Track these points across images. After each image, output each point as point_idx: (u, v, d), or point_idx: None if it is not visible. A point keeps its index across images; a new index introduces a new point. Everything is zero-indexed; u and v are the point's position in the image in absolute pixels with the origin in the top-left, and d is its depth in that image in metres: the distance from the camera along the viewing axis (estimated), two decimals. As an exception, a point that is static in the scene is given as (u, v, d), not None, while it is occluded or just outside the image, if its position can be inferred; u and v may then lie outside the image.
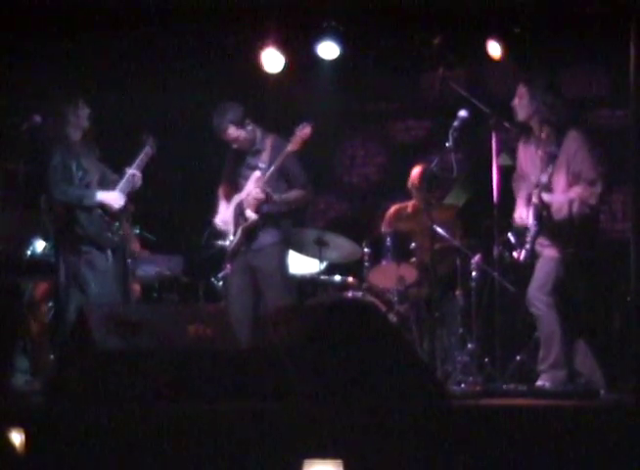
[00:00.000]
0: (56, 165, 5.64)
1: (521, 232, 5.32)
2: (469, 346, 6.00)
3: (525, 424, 3.77)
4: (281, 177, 6.01)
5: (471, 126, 5.50)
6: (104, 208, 5.66)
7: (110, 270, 5.64)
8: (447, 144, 5.41)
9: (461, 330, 6.11)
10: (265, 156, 6.01)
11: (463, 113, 5.42)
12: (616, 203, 7.41)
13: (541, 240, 5.25)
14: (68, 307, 5.51)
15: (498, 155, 5.51)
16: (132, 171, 5.77)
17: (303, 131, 5.86)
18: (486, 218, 5.63)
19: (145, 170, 5.85)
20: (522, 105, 5.34)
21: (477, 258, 6.18)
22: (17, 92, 6.70)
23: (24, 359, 5.97)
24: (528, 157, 5.40)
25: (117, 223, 5.68)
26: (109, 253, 5.65)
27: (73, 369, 4.43)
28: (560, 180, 5.21)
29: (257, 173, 5.95)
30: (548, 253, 5.23)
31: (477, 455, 3.64)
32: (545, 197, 5.15)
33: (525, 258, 5.23)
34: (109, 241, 5.66)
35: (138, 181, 5.78)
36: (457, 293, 6.21)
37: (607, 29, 6.26)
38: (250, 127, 6.04)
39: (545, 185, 5.15)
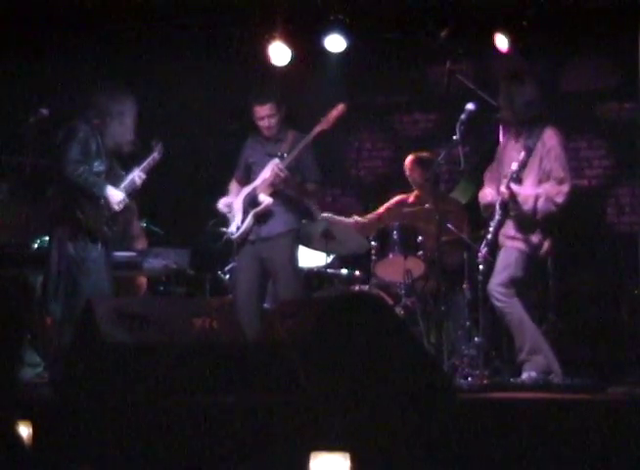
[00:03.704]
0: (79, 141, 5.54)
1: (486, 210, 5.41)
2: (476, 339, 5.97)
3: (532, 417, 3.77)
4: (296, 169, 6.01)
5: (478, 119, 5.48)
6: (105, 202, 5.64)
7: (99, 263, 5.56)
8: (454, 137, 5.40)
9: (468, 323, 6.09)
10: (286, 146, 6.01)
11: (470, 106, 5.41)
12: (623, 196, 7.39)
13: (505, 231, 5.31)
14: (59, 298, 5.47)
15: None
16: (139, 173, 5.73)
17: (337, 109, 5.88)
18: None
19: (149, 174, 5.81)
20: (503, 99, 5.40)
21: (484, 251, 6.15)
22: (23, 85, 6.72)
23: (33, 353, 5.97)
24: (509, 148, 5.43)
25: (113, 218, 5.62)
26: (99, 245, 5.58)
27: (80, 362, 4.43)
28: (531, 174, 5.27)
29: (275, 160, 5.94)
30: (511, 244, 5.30)
31: (483, 449, 3.64)
32: (514, 187, 5.20)
33: (487, 245, 5.29)
34: (104, 234, 5.60)
35: (139, 183, 5.75)
36: (464, 286, 6.19)
37: (615, 22, 6.25)
38: (278, 116, 6.05)
39: (515, 176, 5.21)
